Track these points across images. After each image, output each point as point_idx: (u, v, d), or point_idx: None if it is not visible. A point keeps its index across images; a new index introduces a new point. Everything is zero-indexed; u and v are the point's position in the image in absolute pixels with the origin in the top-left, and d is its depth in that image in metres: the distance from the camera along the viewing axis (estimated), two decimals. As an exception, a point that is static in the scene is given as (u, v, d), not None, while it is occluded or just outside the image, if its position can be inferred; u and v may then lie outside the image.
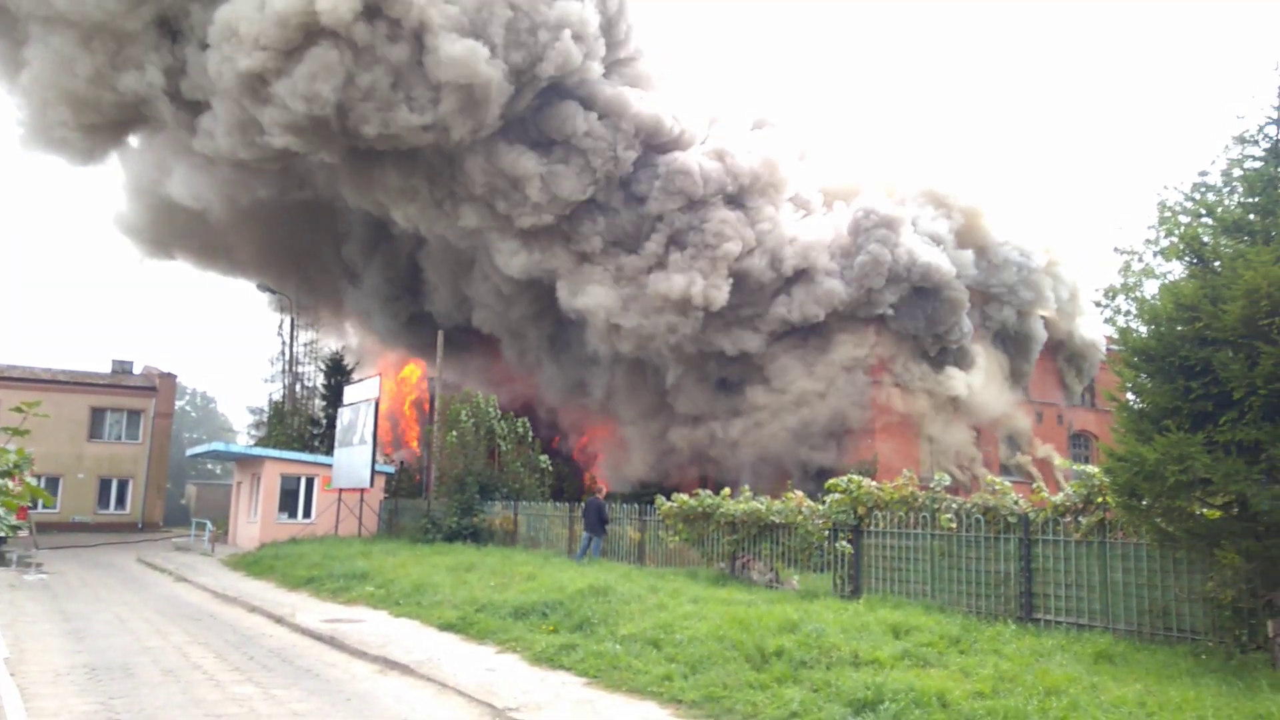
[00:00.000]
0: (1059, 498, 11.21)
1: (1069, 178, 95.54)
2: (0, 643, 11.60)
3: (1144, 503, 9.01)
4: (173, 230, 35.98)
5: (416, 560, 19.26)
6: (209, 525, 31.48)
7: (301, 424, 37.45)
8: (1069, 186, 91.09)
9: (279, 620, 14.31)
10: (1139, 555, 10.11)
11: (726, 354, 30.29)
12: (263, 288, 40.41)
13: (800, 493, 15.41)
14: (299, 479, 30.32)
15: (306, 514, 29.77)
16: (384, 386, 29.51)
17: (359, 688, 9.60)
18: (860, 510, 13.51)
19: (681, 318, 28.79)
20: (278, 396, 41.48)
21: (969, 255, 30.40)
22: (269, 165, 30.09)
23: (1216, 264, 9.04)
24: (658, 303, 28.78)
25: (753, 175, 29.69)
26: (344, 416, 29.28)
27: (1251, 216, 9.10)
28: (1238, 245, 8.93)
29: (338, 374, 38.21)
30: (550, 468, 29.35)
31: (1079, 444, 36.63)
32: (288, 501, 29.99)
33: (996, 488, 12.23)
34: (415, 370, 41.43)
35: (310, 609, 15.15)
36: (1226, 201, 9.50)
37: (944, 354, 30.36)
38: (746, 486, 16.96)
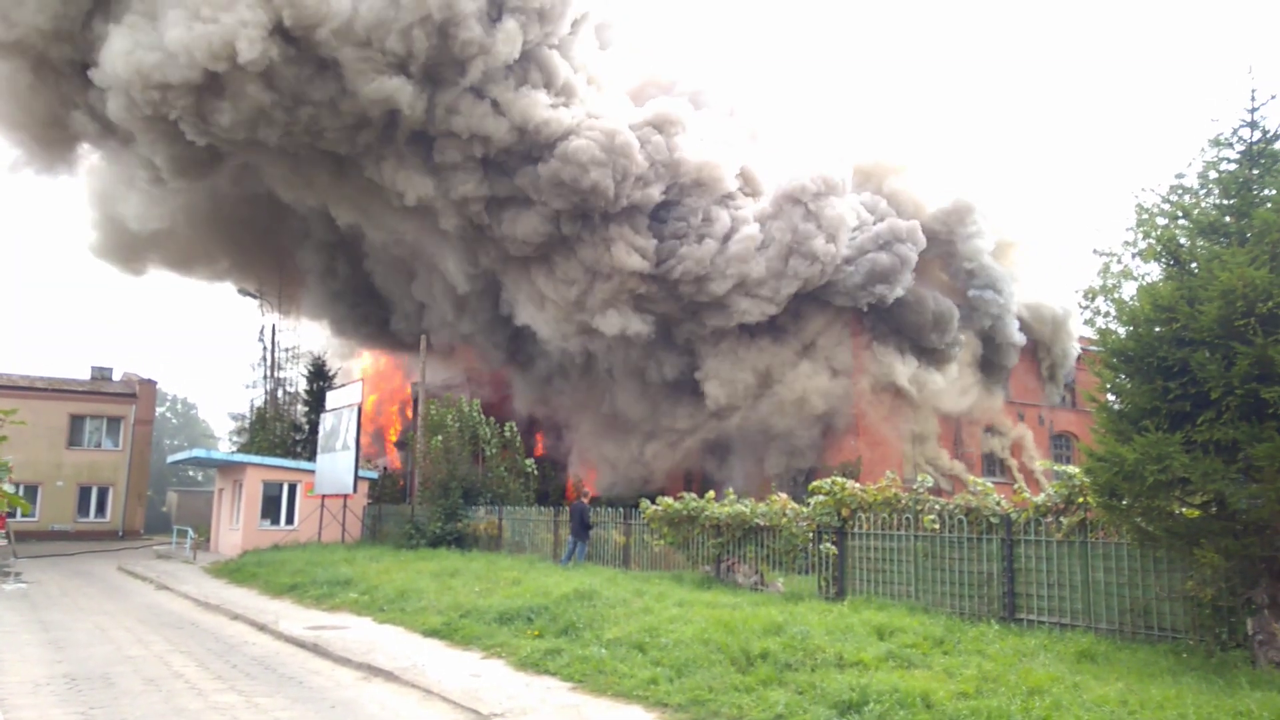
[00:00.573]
0: (1040, 498, 11.29)
1: (1049, 176, 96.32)
2: (-22, 653, 11.47)
3: (1124, 502, 9.08)
4: (145, 244, 34.84)
5: (400, 566, 19.22)
6: (191, 533, 31.19)
7: (284, 430, 37.12)
8: (1047, 185, 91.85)
9: (262, 628, 14.22)
10: (1120, 555, 10.20)
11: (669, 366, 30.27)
12: (243, 292, 39.97)
13: (784, 495, 15.46)
14: (281, 485, 30.10)
15: (289, 520, 29.55)
16: (365, 391, 29.39)
17: (343, 695, 9.56)
18: (844, 512, 13.56)
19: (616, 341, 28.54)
20: (259, 402, 41.15)
21: (915, 224, 29.27)
22: (209, 173, 29.42)
23: (1193, 265, 9.14)
24: (588, 327, 28.57)
25: (695, 172, 28.09)
26: (326, 422, 29.12)
27: (1227, 219, 9.22)
28: (1214, 247, 9.05)
29: (320, 379, 37.86)
30: (535, 471, 29.30)
31: (1060, 445, 36.91)
32: (270, 508, 29.75)
33: (979, 489, 12.31)
34: (396, 375, 41.17)
35: (293, 616, 15.07)
36: (1203, 203, 9.62)
37: (924, 354, 30.46)
38: (731, 490, 17.00)
